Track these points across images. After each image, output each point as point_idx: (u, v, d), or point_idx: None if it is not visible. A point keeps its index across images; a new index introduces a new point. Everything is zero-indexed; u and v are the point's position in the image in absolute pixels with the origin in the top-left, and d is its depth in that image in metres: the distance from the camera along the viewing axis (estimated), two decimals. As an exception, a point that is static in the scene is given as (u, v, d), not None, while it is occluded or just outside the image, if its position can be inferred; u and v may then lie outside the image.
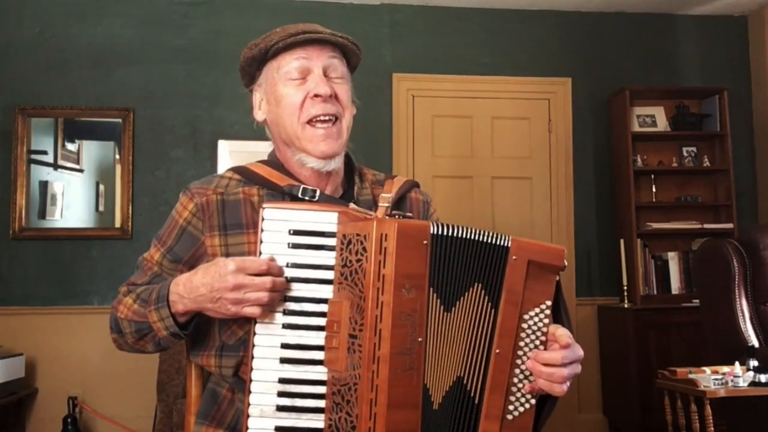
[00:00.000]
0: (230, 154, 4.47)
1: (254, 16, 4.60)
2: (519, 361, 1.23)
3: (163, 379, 3.65)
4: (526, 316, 1.23)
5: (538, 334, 1.24)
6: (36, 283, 4.31)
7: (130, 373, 4.17)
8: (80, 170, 4.43)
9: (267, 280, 1.18)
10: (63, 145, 4.42)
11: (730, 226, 4.64)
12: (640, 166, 4.70)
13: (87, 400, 4.24)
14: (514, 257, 1.22)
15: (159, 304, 1.28)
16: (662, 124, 4.84)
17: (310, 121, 1.37)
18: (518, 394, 1.23)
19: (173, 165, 4.48)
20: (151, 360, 3.75)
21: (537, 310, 1.24)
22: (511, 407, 1.23)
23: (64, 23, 4.47)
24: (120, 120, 4.44)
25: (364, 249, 1.14)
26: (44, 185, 4.36)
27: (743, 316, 3.49)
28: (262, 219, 1.22)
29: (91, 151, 4.45)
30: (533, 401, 1.24)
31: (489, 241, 1.21)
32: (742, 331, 3.46)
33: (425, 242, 1.16)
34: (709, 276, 3.71)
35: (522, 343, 1.23)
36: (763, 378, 3.00)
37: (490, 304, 1.21)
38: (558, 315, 1.29)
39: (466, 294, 1.20)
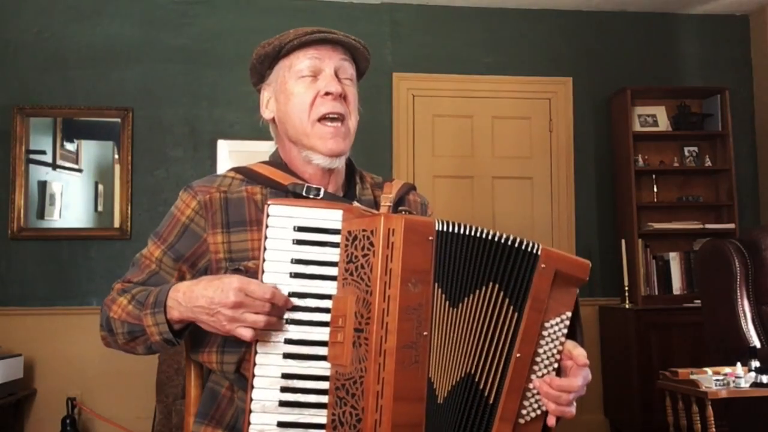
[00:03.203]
0: (229, 153, 4.46)
1: (253, 15, 4.59)
2: (536, 368, 1.26)
3: (162, 379, 3.64)
4: (547, 324, 1.26)
5: (556, 342, 1.27)
6: (34, 283, 4.30)
7: (129, 373, 4.16)
8: (79, 170, 4.41)
9: (266, 303, 1.18)
10: (62, 145, 4.40)
11: (731, 226, 4.62)
12: (642, 165, 4.68)
13: (86, 401, 4.23)
14: (542, 266, 1.25)
15: (155, 309, 1.27)
16: (663, 124, 4.82)
17: (319, 119, 1.39)
18: (531, 400, 1.26)
19: (172, 165, 4.47)
20: (150, 361, 3.73)
21: (558, 319, 1.27)
22: (524, 411, 1.25)
23: (63, 23, 4.46)
24: (119, 120, 4.43)
25: (371, 244, 1.17)
26: (43, 185, 4.35)
27: (745, 316, 3.48)
28: (267, 215, 1.23)
29: (89, 150, 4.44)
30: (545, 408, 1.26)
31: (515, 245, 1.24)
32: (744, 332, 3.45)
33: (430, 238, 1.18)
34: (710, 276, 3.70)
35: (541, 350, 1.26)
36: (764, 379, 2.99)
37: (512, 307, 1.24)
38: (573, 326, 1.32)
39: (477, 292, 1.22)
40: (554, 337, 1.26)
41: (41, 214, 4.34)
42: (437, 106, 4.77)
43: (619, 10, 4.92)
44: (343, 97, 1.40)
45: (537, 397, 1.26)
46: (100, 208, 4.40)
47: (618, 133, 4.77)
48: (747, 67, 5.00)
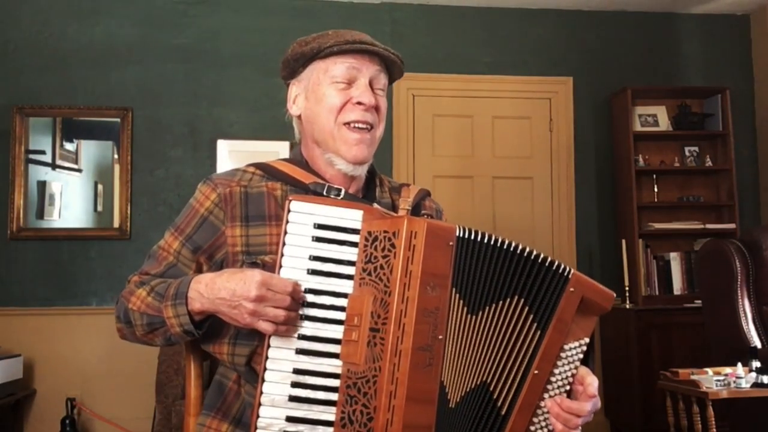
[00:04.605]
0: (229, 153, 4.45)
1: (253, 15, 4.58)
2: (549, 387, 1.27)
3: (162, 380, 3.63)
4: (566, 347, 1.28)
5: (571, 366, 1.29)
6: (34, 283, 4.29)
7: (129, 374, 4.15)
8: (78, 170, 4.40)
9: (287, 297, 1.19)
10: (61, 145, 4.40)
11: (732, 226, 4.62)
12: (642, 165, 4.68)
13: (85, 402, 4.22)
14: (571, 289, 1.26)
15: (177, 300, 1.28)
16: (664, 124, 4.82)
17: (347, 124, 1.40)
18: (541, 417, 1.27)
19: (172, 165, 4.46)
20: (150, 361, 3.73)
21: (576, 344, 1.29)
22: (532, 428, 1.27)
23: (63, 22, 4.46)
24: (118, 119, 4.42)
25: (393, 245, 1.18)
26: (42, 185, 4.34)
27: (745, 316, 3.47)
28: (288, 211, 1.24)
29: (89, 150, 4.43)
30: (551, 427, 1.29)
31: (546, 264, 1.25)
32: (745, 332, 3.44)
33: (451, 243, 1.19)
34: (711, 276, 3.69)
35: (557, 371, 1.28)
36: (765, 379, 2.99)
37: (536, 324, 1.25)
38: (588, 353, 1.34)
39: (501, 303, 1.23)
40: (571, 359, 1.28)
41: (41, 214, 4.33)
42: (437, 106, 4.76)
43: (619, 10, 4.91)
44: (375, 108, 1.41)
45: (546, 416, 1.27)
46: (99, 208, 4.39)
47: (618, 132, 4.76)
48: (747, 67, 5.00)
